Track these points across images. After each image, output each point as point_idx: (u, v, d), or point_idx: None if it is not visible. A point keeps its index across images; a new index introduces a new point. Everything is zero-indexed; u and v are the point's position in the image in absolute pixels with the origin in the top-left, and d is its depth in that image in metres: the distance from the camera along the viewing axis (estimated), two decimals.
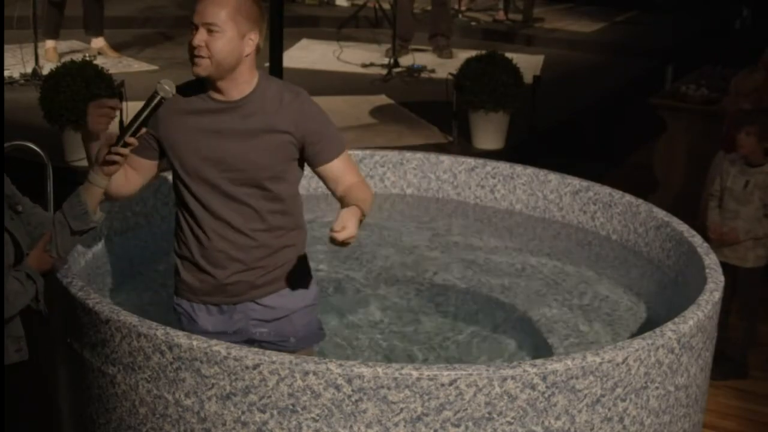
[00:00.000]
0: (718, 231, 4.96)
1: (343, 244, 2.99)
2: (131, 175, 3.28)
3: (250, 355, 2.84)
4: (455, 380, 2.80)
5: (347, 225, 2.98)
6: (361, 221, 3.07)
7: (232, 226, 3.23)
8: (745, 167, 4.98)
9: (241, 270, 3.27)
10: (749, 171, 4.97)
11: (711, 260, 3.57)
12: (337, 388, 2.80)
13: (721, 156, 5.17)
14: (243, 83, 3.19)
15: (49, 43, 8.69)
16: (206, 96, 3.22)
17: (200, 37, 3.10)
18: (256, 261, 3.27)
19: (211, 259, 3.26)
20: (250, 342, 3.34)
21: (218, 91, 3.19)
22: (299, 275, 3.36)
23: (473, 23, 11.21)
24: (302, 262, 3.40)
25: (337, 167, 3.27)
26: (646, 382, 3.04)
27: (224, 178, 3.21)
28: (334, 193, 3.29)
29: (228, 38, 3.11)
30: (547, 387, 2.87)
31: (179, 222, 3.31)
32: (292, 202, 3.32)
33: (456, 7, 11.27)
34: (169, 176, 3.42)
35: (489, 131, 7.16)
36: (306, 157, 3.27)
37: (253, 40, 3.16)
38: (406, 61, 9.23)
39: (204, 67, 3.12)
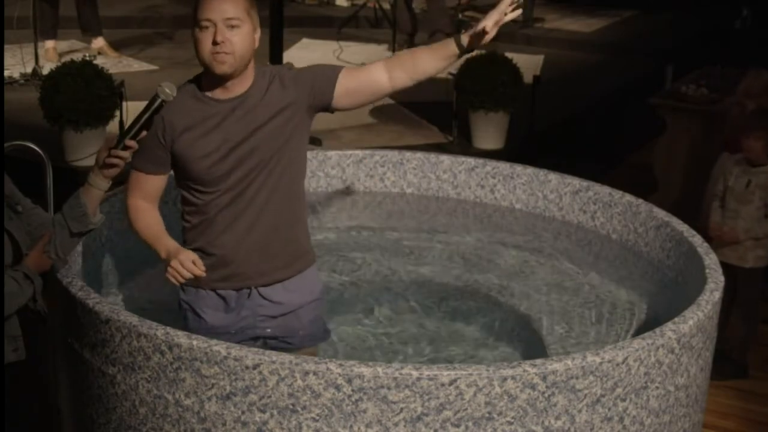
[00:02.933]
0: (718, 230, 4.96)
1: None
2: (154, 197, 3.31)
3: (250, 355, 2.84)
4: (455, 380, 2.80)
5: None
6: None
7: (243, 212, 3.23)
8: (748, 167, 4.99)
9: (250, 251, 3.26)
10: (751, 171, 4.98)
11: (711, 260, 3.57)
12: (337, 388, 2.80)
13: (725, 156, 5.17)
14: (248, 77, 3.21)
15: (49, 43, 8.68)
16: (210, 95, 3.21)
17: (224, 33, 3.10)
18: (265, 241, 3.26)
19: (222, 245, 3.26)
20: (256, 339, 3.34)
21: (225, 88, 3.20)
22: (305, 265, 3.38)
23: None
24: (307, 253, 3.41)
25: (349, 71, 3.27)
26: (646, 382, 3.04)
27: (237, 169, 3.20)
28: (381, 87, 3.28)
29: (246, 32, 3.14)
30: (547, 387, 2.86)
31: (192, 217, 3.28)
32: (298, 188, 3.32)
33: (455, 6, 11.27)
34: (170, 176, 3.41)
35: (489, 131, 7.16)
36: (319, 101, 3.26)
37: (258, 33, 3.20)
38: None
39: (230, 64, 3.13)
